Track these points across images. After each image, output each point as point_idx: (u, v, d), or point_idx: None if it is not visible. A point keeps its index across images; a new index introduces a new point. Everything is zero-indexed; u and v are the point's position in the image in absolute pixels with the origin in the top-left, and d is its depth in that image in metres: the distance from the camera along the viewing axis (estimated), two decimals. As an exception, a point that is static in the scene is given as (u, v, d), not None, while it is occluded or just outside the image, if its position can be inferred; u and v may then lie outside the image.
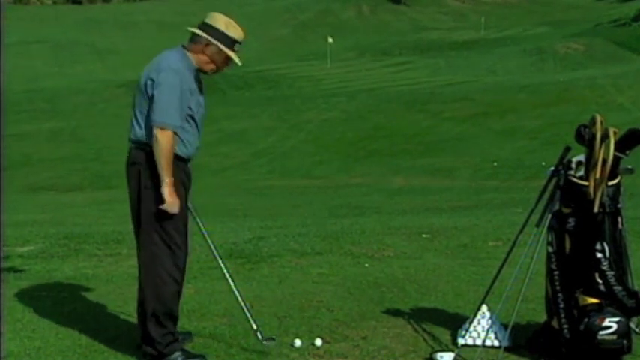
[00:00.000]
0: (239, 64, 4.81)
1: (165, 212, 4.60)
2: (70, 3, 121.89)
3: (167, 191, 4.56)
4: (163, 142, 4.53)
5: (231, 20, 4.81)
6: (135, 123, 4.74)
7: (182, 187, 4.73)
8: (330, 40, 67.77)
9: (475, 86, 50.40)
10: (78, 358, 4.87)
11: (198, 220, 5.00)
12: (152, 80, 4.61)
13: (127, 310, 5.75)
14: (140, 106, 4.71)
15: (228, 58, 4.80)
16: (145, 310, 4.75)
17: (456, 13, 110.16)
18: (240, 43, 4.80)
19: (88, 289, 6.54)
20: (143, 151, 4.68)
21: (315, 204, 17.30)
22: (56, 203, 20.20)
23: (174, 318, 4.79)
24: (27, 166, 32.18)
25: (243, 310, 4.98)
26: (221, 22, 4.76)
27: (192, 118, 4.73)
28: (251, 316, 4.97)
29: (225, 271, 5.03)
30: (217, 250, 5.08)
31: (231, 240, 8.81)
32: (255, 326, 4.94)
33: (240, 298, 4.99)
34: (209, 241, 5.03)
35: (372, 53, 75.99)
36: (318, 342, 5.02)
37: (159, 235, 4.67)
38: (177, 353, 4.75)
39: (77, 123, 44.70)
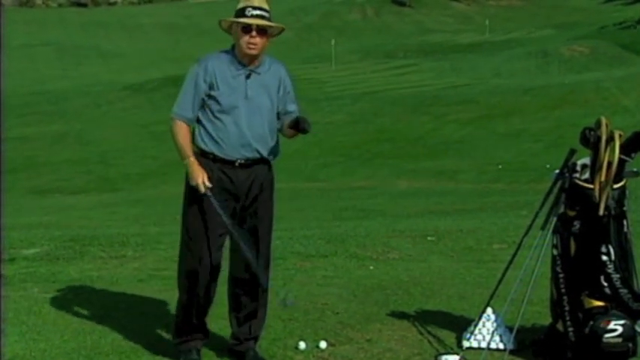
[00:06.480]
0: (248, 23, 4.59)
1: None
2: (74, 6, 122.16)
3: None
4: None
5: None
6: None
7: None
8: (332, 41, 67.94)
9: (479, 89, 50.34)
10: (83, 360, 4.87)
11: None
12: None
13: (132, 312, 5.75)
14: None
15: (247, 29, 4.58)
16: None
17: (460, 15, 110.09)
18: (250, 8, 4.61)
19: (92, 292, 6.54)
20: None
21: (320, 207, 17.28)
22: (61, 206, 20.22)
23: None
24: (32, 169, 32.23)
25: None
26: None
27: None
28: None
29: None
30: None
31: (235, 242, 8.80)
32: None
33: None
34: None
35: (376, 56, 75.92)
36: (323, 345, 5.01)
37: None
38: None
39: (82, 126, 44.74)
